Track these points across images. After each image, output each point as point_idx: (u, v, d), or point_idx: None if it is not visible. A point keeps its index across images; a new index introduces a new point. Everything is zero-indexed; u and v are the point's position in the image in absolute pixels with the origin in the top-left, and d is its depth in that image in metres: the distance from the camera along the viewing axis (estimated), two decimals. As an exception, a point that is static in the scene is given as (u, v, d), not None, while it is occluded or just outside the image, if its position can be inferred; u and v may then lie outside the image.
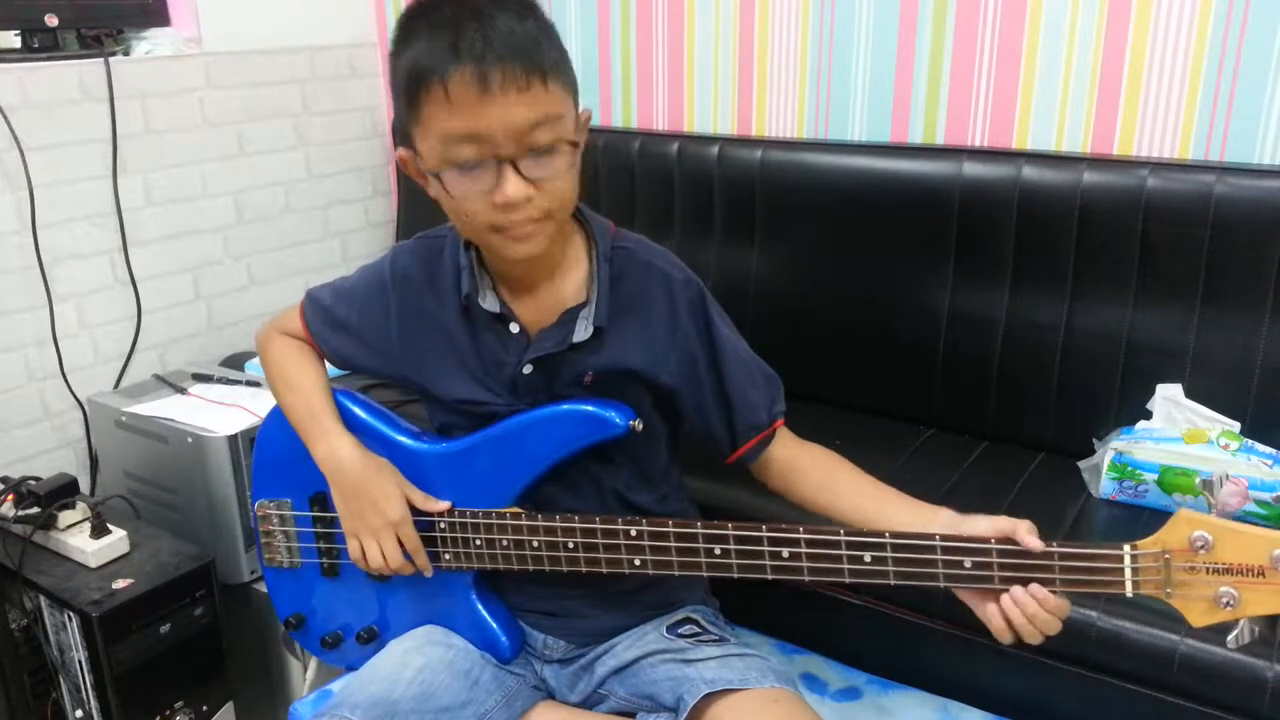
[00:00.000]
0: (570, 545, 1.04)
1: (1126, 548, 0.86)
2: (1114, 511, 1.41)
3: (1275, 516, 1.32)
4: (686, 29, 1.97)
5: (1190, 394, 1.45)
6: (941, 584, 0.92)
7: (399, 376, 1.16)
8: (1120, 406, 1.52)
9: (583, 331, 1.04)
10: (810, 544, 0.95)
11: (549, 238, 0.99)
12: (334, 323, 1.18)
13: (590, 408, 1.05)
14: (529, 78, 0.91)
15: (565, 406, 1.06)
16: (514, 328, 1.07)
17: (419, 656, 1.09)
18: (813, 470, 1.13)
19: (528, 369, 1.07)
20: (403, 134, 0.99)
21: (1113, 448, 1.41)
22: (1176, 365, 1.47)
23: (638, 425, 1.04)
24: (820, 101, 1.84)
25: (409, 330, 1.12)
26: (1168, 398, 1.46)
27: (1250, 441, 1.37)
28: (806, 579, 0.96)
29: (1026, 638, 0.91)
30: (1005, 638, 0.92)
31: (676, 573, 1.01)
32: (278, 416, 1.22)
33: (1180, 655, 1.14)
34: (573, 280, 1.07)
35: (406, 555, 1.10)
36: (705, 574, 1.00)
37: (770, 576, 0.97)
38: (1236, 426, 1.42)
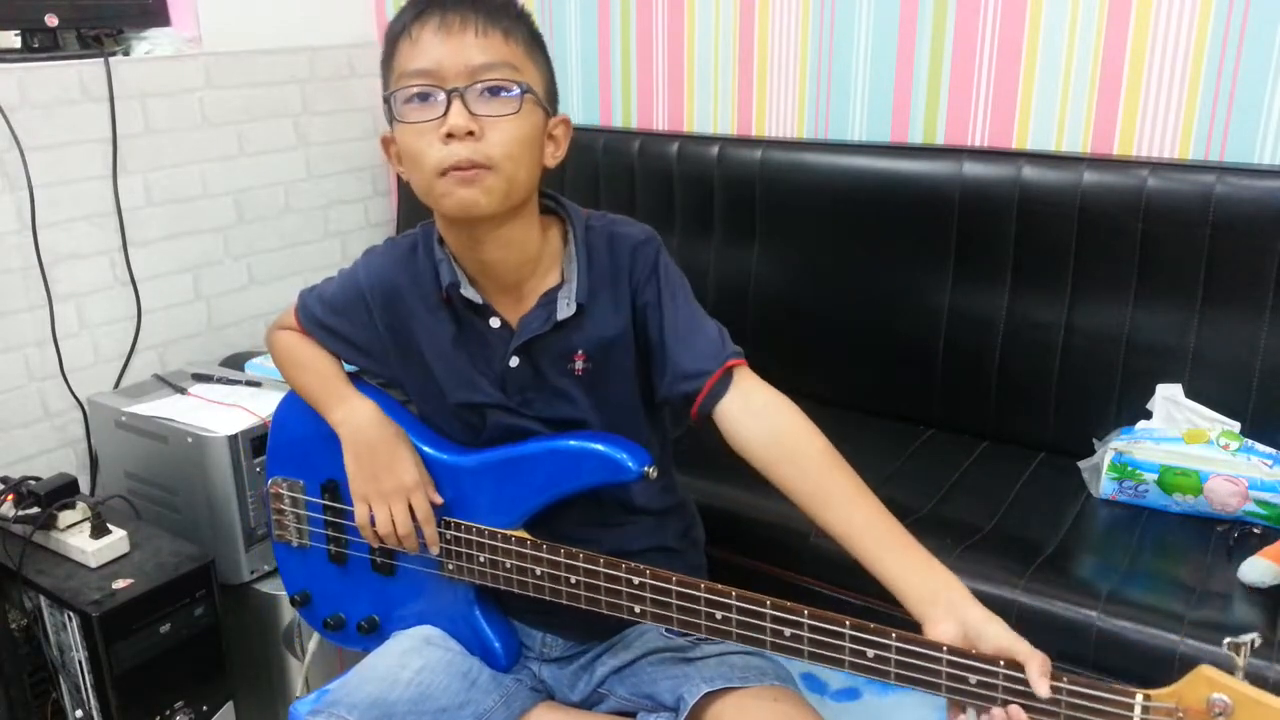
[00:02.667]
0: (572, 581, 1.03)
1: (1139, 696, 0.81)
2: (1114, 511, 1.41)
3: (1275, 517, 1.32)
4: (686, 29, 1.97)
5: (1190, 394, 1.45)
6: (942, 692, 0.88)
7: (392, 378, 1.16)
8: (1120, 406, 1.52)
9: (565, 309, 1.04)
10: (814, 630, 0.91)
11: (495, 198, 0.97)
12: (325, 328, 1.19)
13: (606, 448, 1.04)
14: (489, 27, 0.96)
15: (577, 443, 1.05)
16: (494, 322, 1.07)
17: (417, 658, 1.09)
18: (806, 467, 1.00)
19: (514, 361, 1.06)
20: (387, 114, 1.02)
21: (1113, 448, 1.41)
22: (1176, 365, 1.47)
23: (652, 473, 1.02)
24: (820, 101, 1.84)
25: (397, 333, 1.12)
26: (1168, 398, 1.46)
27: (1250, 441, 1.37)
28: (806, 660, 0.92)
29: None
30: None
31: (676, 626, 0.99)
32: (292, 399, 1.23)
33: (1180, 655, 1.14)
34: (544, 268, 1.08)
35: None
36: (704, 635, 0.97)
37: (769, 650, 0.94)
38: (1236, 426, 1.42)
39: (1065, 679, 0.83)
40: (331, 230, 2.38)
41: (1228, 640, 0.81)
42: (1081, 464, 1.49)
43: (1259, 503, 1.32)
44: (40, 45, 1.86)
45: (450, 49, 0.95)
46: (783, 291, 1.81)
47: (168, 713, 1.55)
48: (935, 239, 1.63)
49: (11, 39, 1.87)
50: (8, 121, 1.77)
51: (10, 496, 1.58)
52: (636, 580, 0.99)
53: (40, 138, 1.82)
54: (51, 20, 1.85)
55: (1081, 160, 1.53)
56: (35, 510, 1.55)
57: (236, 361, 2.07)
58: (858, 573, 1.35)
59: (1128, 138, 1.56)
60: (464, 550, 1.09)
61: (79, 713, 1.56)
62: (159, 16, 2.04)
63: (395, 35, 0.99)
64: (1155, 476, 1.38)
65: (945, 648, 0.86)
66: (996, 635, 0.86)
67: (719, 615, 0.95)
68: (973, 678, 0.86)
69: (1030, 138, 1.64)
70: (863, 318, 1.73)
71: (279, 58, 2.20)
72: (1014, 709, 0.84)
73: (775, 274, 1.82)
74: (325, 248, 2.37)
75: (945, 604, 0.89)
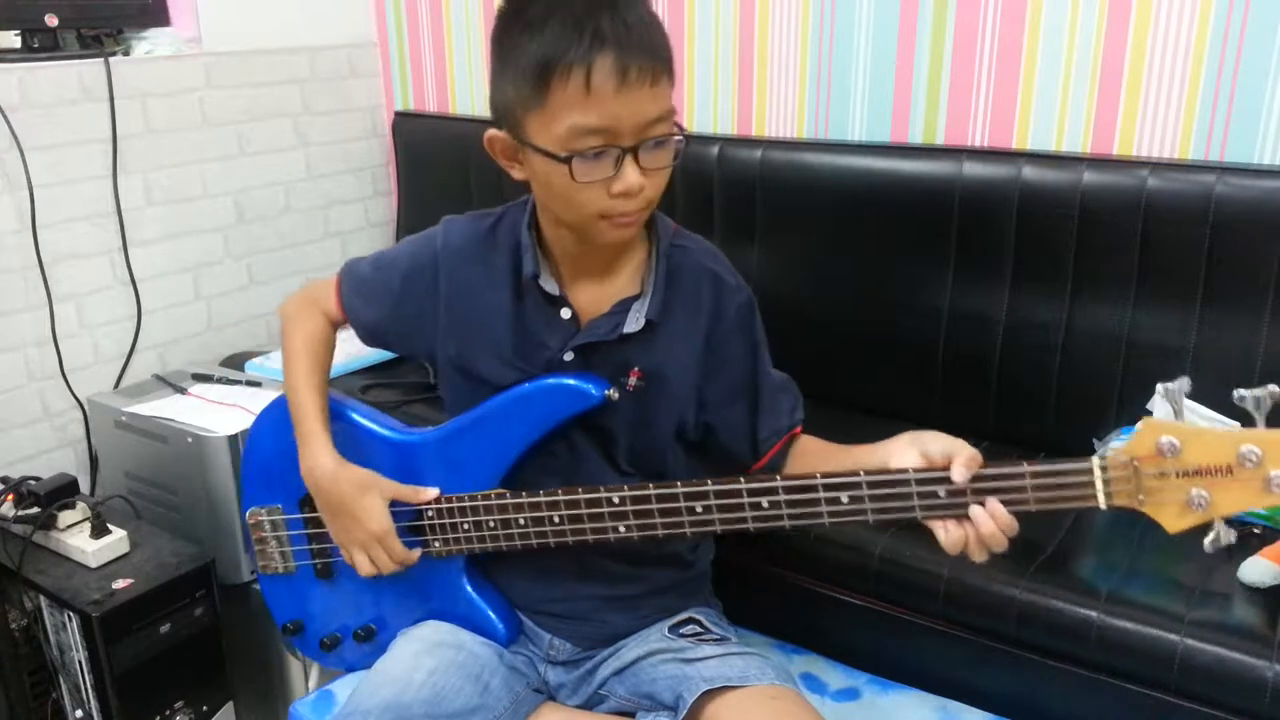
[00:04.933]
0: (556, 519, 1.04)
1: (1095, 460, 0.87)
2: (1114, 511, 1.41)
3: (1275, 517, 1.32)
4: (686, 29, 1.97)
5: (1190, 394, 1.45)
6: (918, 515, 0.92)
7: (429, 352, 1.16)
8: (1120, 406, 1.52)
9: (634, 323, 1.05)
10: (788, 490, 0.96)
11: (641, 225, 1.02)
12: (371, 295, 1.18)
13: (563, 380, 1.05)
14: (656, 73, 0.94)
15: (534, 383, 1.06)
16: (565, 313, 1.07)
17: (430, 659, 1.09)
18: (798, 455, 1.15)
19: (569, 356, 1.07)
20: (506, 116, 0.99)
21: (1113, 447, 1.41)
22: (1176, 365, 1.47)
23: (613, 394, 1.04)
24: (820, 101, 1.84)
25: (455, 306, 1.12)
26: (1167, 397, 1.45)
27: (1250, 441, 1.37)
28: (787, 525, 0.96)
29: (974, 555, 0.92)
30: (954, 550, 0.92)
31: (661, 534, 1.01)
32: (262, 425, 1.24)
33: (1180, 655, 1.14)
34: (630, 271, 1.08)
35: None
36: (689, 531, 1.00)
37: (752, 528, 0.97)
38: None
39: (1026, 463, 0.89)
40: (331, 230, 2.38)
41: (1160, 386, 0.86)
42: (1081, 464, 1.49)
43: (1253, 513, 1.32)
44: (40, 45, 1.86)
45: (627, 106, 0.92)
46: (783, 291, 1.81)
47: (168, 713, 1.55)
48: (935, 239, 1.63)
49: (11, 39, 1.87)
50: (8, 121, 1.77)
51: (10, 496, 1.58)
52: (616, 498, 1.01)
53: (40, 138, 1.83)
54: (51, 20, 1.85)
55: (1081, 160, 1.53)
56: (35, 510, 1.56)
57: (236, 361, 2.07)
58: (859, 573, 1.36)
59: (1128, 138, 1.56)
60: (447, 521, 1.10)
61: (79, 713, 1.56)
62: (159, 16, 2.04)
63: (556, 65, 0.91)
64: (1155, 476, 1.37)
65: (910, 470, 0.92)
66: (942, 440, 0.94)
67: (699, 508, 0.99)
68: (941, 490, 0.91)
69: (1030, 138, 1.64)
70: (863, 318, 1.73)
71: (279, 58, 2.20)
72: (992, 504, 0.89)
73: (775, 274, 1.82)
74: (325, 248, 2.37)
75: (900, 443, 0.97)
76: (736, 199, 1.84)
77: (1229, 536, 0.84)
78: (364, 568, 1.11)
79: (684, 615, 1.15)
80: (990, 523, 0.89)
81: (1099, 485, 0.87)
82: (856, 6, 1.76)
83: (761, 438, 1.13)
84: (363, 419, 1.18)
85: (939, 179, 1.62)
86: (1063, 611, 1.21)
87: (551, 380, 1.06)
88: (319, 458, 1.12)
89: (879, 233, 1.69)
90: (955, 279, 1.63)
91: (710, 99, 1.97)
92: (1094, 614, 1.20)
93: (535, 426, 1.06)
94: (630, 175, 0.94)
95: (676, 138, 0.97)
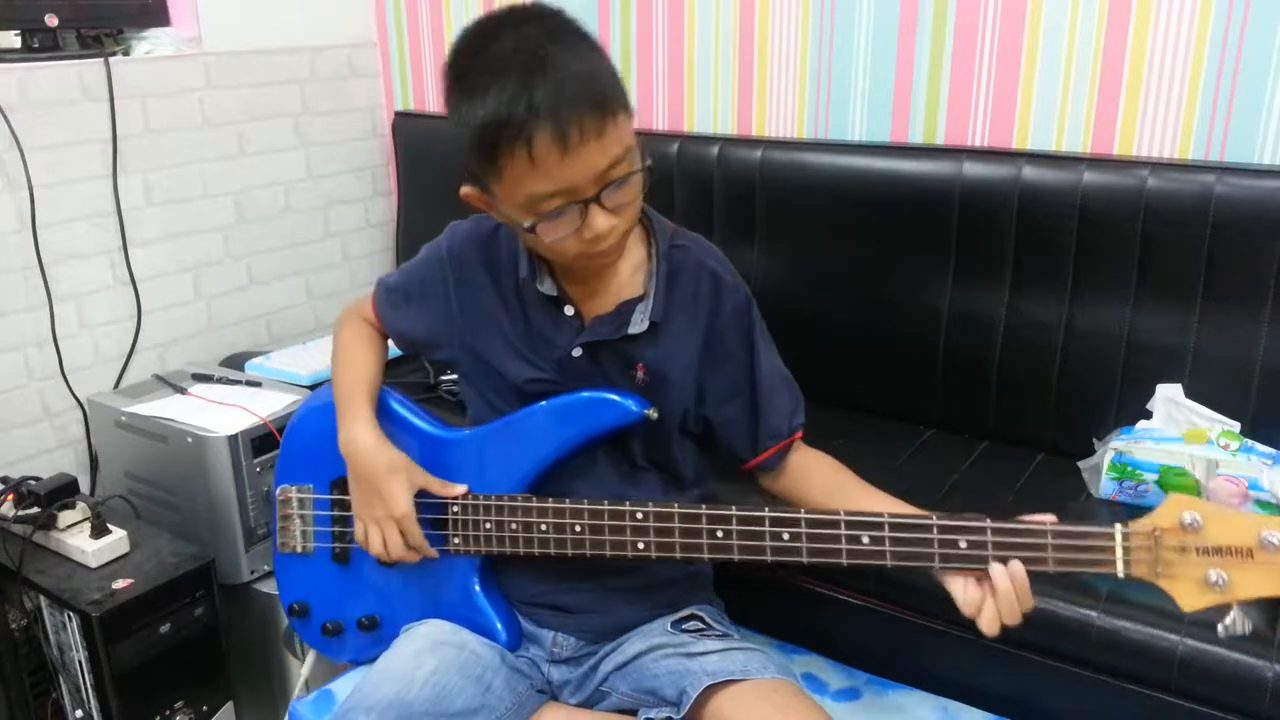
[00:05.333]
0: (577, 529, 1.05)
1: (1118, 526, 0.88)
2: (1114, 511, 1.41)
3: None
4: (686, 29, 1.97)
5: (1190, 394, 1.45)
6: (936, 564, 0.92)
7: (456, 351, 1.18)
8: (1120, 406, 1.52)
9: (639, 324, 1.07)
10: (810, 524, 0.96)
11: (624, 246, 1.04)
12: (398, 303, 1.22)
13: (605, 394, 1.07)
14: (603, 123, 0.92)
15: (576, 395, 1.08)
16: (568, 310, 1.09)
17: (431, 658, 1.09)
18: (819, 474, 1.15)
19: (577, 352, 1.09)
20: (471, 175, 1.00)
21: (1113, 448, 1.41)
22: (1176, 365, 1.47)
23: (653, 414, 1.06)
24: (820, 101, 1.84)
25: (466, 307, 1.15)
26: (1168, 398, 1.46)
27: (1250, 441, 1.37)
28: (805, 560, 0.96)
29: (985, 623, 0.91)
30: (970, 610, 0.92)
31: (679, 555, 1.01)
32: (310, 406, 1.26)
33: (1180, 655, 1.14)
34: (628, 271, 1.10)
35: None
36: (706, 556, 1.01)
37: (770, 559, 0.97)
38: (1236, 426, 1.42)
39: (1049, 523, 0.90)
40: (331, 230, 2.38)
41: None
42: (1081, 464, 1.49)
43: (1259, 503, 1.32)
44: (40, 45, 1.86)
45: (576, 166, 0.92)
46: (782, 291, 1.81)
47: (168, 713, 1.55)
48: (935, 239, 1.63)
49: (11, 39, 1.87)
50: (8, 121, 1.77)
51: (10, 496, 1.58)
52: (640, 514, 1.02)
53: (40, 138, 1.82)
54: (51, 20, 1.85)
55: (1081, 160, 1.53)
56: (35, 510, 1.56)
57: (236, 361, 2.07)
58: (859, 573, 1.36)
59: (1128, 138, 1.56)
60: (470, 519, 1.11)
61: (79, 713, 1.56)
62: (159, 16, 2.04)
63: (498, 137, 0.91)
64: (1155, 476, 1.38)
65: (934, 516, 0.93)
66: None
67: (720, 532, 0.99)
68: (962, 541, 0.91)
69: (1030, 138, 1.64)
70: (863, 318, 1.73)
71: (279, 58, 2.20)
72: (1013, 564, 0.90)
73: (775, 274, 1.82)
74: (325, 248, 2.37)
75: None
76: (736, 199, 1.84)
77: (1245, 626, 0.84)
78: (374, 545, 1.12)
79: (686, 611, 1.16)
80: (1007, 582, 0.90)
81: (1118, 553, 0.88)
82: (856, 6, 1.76)
83: (759, 437, 1.14)
84: (401, 409, 1.20)
85: (939, 179, 1.62)
86: (1063, 612, 1.21)
87: (592, 394, 1.07)
88: (359, 430, 1.14)
89: (879, 233, 1.69)
90: (955, 279, 1.63)
91: (710, 99, 1.97)
92: (1094, 614, 1.20)
93: (572, 437, 1.08)
94: (598, 222, 0.96)
95: (637, 169, 0.97)
